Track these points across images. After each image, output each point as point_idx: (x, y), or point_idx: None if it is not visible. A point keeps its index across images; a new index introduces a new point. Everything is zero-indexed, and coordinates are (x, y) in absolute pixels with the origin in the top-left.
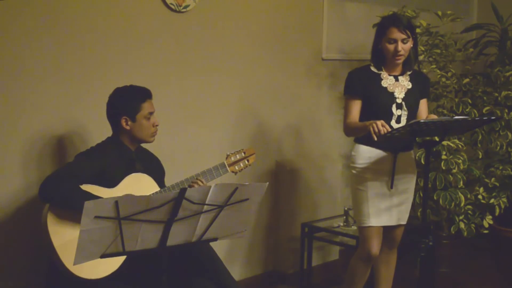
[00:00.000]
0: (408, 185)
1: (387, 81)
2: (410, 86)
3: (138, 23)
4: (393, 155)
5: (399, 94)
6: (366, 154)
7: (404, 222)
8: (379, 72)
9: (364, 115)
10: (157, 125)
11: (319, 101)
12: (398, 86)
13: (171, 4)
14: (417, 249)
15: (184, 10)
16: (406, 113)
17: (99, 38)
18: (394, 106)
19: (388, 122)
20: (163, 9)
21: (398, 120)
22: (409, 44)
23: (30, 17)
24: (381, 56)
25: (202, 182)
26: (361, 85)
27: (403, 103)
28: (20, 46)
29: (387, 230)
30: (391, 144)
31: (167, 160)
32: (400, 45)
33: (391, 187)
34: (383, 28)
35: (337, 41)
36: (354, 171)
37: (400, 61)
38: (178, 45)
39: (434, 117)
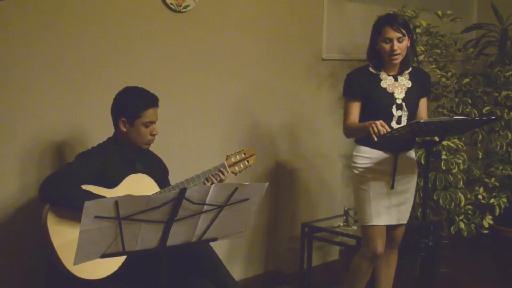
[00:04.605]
0: (408, 185)
1: (387, 81)
2: (410, 85)
3: (138, 23)
4: (394, 156)
5: (399, 95)
6: (367, 154)
7: (404, 221)
8: (378, 73)
9: (364, 116)
10: (155, 134)
11: (319, 101)
12: (398, 86)
13: (171, 4)
14: (417, 249)
15: (184, 10)
16: (406, 113)
17: (99, 39)
18: (394, 107)
19: (388, 123)
20: (163, 9)
21: (398, 121)
22: (405, 43)
23: (29, 18)
24: (379, 57)
25: (223, 173)
26: (361, 86)
27: (403, 103)
28: (19, 48)
29: (388, 230)
30: (391, 144)
31: (166, 160)
32: (396, 44)
33: (392, 188)
34: (378, 28)
35: (337, 41)
36: (355, 171)
37: (397, 61)
38: (178, 45)
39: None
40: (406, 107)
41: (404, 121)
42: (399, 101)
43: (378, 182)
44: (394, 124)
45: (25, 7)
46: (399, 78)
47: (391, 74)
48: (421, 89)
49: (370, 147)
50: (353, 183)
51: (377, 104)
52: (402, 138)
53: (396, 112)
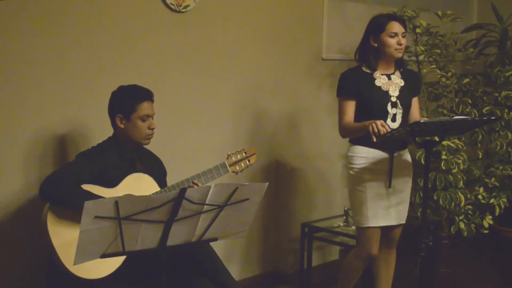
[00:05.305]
0: (405, 184)
1: (380, 80)
2: (402, 84)
3: (138, 23)
4: (389, 155)
5: (393, 93)
6: (363, 154)
7: (403, 221)
8: (372, 72)
9: (359, 116)
10: (153, 128)
11: (319, 101)
12: (391, 84)
13: (171, 4)
14: (417, 249)
15: (184, 10)
16: (401, 111)
17: (99, 38)
18: (389, 104)
19: (383, 121)
20: (163, 9)
21: (393, 119)
22: (405, 40)
23: (30, 17)
24: (375, 56)
25: (197, 184)
26: (355, 85)
27: (398, 101)
28: (21, 46)
29: (387, 230)
30: (387, 143)
31: (167, 160)
32: (401, 39)
33: (389, 187)
34: (381, 24)
35: (337, 41)
36: (351, 172)
37: (401, 54)
38: (178, 45)
39: (425, 119)
40: (401, 105)
41: (399, 119)
42: (393, 99)
43: (375, 182)
44: (389, 122)
45: (26, 7)
46: (392, 77)
47: (384, 73)
48: (413, 89)
49: (366, 147)
50: (349, 184)
51: (372, 102)
52: (401, 138)
53: (391, 110)
